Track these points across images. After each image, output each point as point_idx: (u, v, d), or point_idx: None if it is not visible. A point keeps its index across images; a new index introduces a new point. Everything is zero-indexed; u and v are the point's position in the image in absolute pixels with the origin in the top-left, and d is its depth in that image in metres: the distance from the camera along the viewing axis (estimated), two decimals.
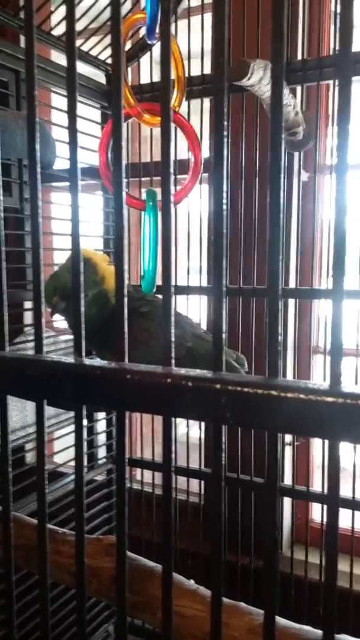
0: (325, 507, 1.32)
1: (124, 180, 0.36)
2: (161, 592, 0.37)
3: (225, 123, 0.32)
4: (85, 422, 0.36)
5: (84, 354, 0.36)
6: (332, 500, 0.31)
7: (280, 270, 0.31)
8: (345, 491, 1.26)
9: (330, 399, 0.28)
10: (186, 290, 1.38)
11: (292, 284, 1.30)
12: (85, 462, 1.48)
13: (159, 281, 1.01)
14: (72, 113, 0.37)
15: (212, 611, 0.35)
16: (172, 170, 0.35)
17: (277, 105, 0.30)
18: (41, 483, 0.38)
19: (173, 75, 1.02)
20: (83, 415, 0.35)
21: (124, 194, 0.36)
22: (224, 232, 0.33)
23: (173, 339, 0.34)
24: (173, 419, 0.34)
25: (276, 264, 0.30)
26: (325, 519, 1.33)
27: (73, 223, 0.37)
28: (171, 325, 0.35)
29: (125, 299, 0.35)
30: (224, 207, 0.32)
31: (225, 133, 0.32)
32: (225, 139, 0.33)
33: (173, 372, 0.32)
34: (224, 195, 0.32)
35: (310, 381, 0.30)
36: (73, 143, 0.37)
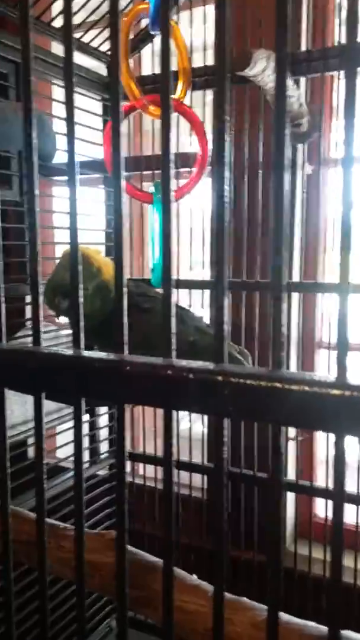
0: (329, 502, 1.32)
1: (124, 173, 0.35)
2: (162, 587, 0.36)
3: (228, 108, 0.31)
4: (87, 416, 0.36)
5: (82, 345, 0.35)
6: (338, 495, 0.30)
7: (284, 258, 0.30)
8: (350, 486, 1.25)
9: (336, 392, 0.27)
10: (189, 284, 1.37)
11: (296, 278, 1.29)
12: (87, 457, 1.47)
13: None
14: (69, 103, 0.36)
15: (214, 606, 0.35)
16: (172, 164, 0.34)
17: (281, 92, 0.29)
18: (40, 476, 0.37)
19: (177, 66, 1.01)
20: (82, 409, 0.35)
21: (123, 183, 0.35)
22: (225, 221, 0.32)
23: (174, 330, 0.33)
24: (174, 412, 0.33)
25: (280, 250, 0.29)
26: (330, 514, 1.32)
27: (71, 216, 0.36)
28: (172, 316, 0.34)
29: (125, 289, 0.35)
30: (226, 192, 0.31)
31: (227, 117, 0.31)
32: (228, 130, 0.32)
33: (174, 364, 0.31)
34: (226, 180, 0.31)
35: (315, 373, 0.29)
36: (71, 133, 0.36)
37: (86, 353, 0.34)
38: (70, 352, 0.34)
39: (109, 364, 0.32)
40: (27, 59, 0.35)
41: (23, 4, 0.34)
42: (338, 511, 0.30)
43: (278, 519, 0.32)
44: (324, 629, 0.62)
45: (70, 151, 0.36)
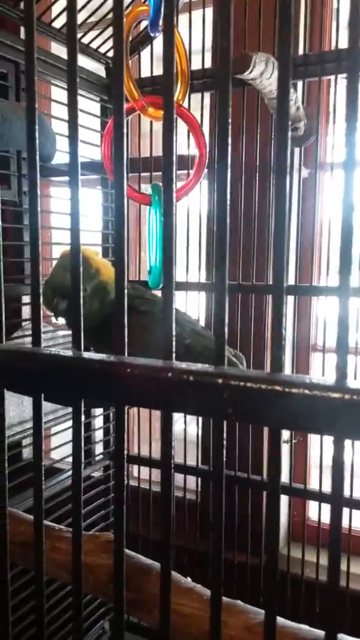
0: (321, 505, 1.32)
1: (125, 175, 0.35)
2: (159, 590, 0.36)
3: (230, 110, 0.31)
4: (82, 418, 0.35)
5: (82, 347, 0.35)
6: (336, 498, 0.30)
7: (285, 259, 0.30)
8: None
9: (335, 395, 0.27)
10: (185, 286, 1.37)
11: (291, 281, 1.30)
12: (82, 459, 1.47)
13: None
14: (72, 106, 0.36)
15: (211, 610, 0.35)
16: (174, 165, 0.34)
17: (284, 90, 0.29)
18: (38, 477, 0.37)
19: (176, 69, 1.01)
20: (82, 410, 0.35)
21: (125, 185, 0.35)
22: (227, 220, 0.32)
23: (174, 333, 0.33)
24: (173, 414, 0.33)
25: (281, 250, 0.29)
26: (324, 517, 1.32)
27: (72, 217, 0.36)
28: (172, 319, 0.34)
29: (126, 291, 0.35)
30: (227, 192, 0.31)
31: (229, 120, 0.31)
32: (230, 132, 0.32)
33: (174, 366, 0.31)
34: (228, 180, 0.32)
35: (314, 376, 0.29)
36: (73, 135, 0.36)
37: (86, 354, 0.34)
38: (70, 353, 0.34)
39: (109, 365, 0.32)
40: (31, 61, 0.35)
41: (28, 10, 0.34)
42: (336, 514, 0.30)
43: (276, 521, 0.32)
44: (317, 632, 0.62)
45: (73, 153, 0.36)
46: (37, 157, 0.37)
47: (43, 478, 0.39)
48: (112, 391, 0.33)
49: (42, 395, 0.36)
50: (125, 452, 0.34)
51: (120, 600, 0.37)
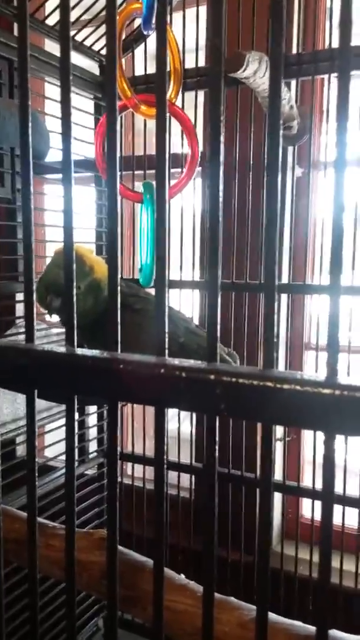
0: (315, 502, 1.33)
1: (118, 173, 0.35)
2: (153, 587, 0.36)
3: (223, 107, 0.32)
4: (76, 415, 0.36)
5: (75, 343, 0.35)
6: (327, 495, 0.30)
7: (277, 255, 0.30)
8: (335, 487, 1.26)
9: (326, 391, 0.28)
10: (179, 284, 1.37)
11: (284, 280, 1.30)
12: (75, 456, 1.47)
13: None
14: (65, 103, 0.36)
15: (204, 607, 0.35)
16: (167, 163, 0.34)
17: (276, 89, 0.30)
18: (31, 474, 0.37)
19: (169, 67, 1.01)
20: (75, 406, 0.35)
21: (117, 183, 0.35)
22: (220, 218, 0.32)
23: (167, 329, 0.34)
24: (166, 410, 0.33)
25: (273, 246, 0.30)
26: (316, 515, 1.33)
27: (66, 215, 0.36)
28: (165, 316, 0.34)
29: (119, 288, 0.35)
30: (220, 190, 0.32)
31: (222, 117, 0.31)
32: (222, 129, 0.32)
33: (167, 362, 0.31)
34: (220, 178, 0.32)
35: (306, 373, 0.29)
36: (67, 134, 0.36)
37: (79, 351, 0.34)
38: (63, 349, 0.34)
39: (102, 361, 0.33)
40: (24, 59, 0.35)
41: (21, 7, 0.34)
42: (327, 511, 0.30)
43: (268, 518, 0.33)
44: (310, 628, 0.63)
45: (66, 150, 0.36)
46: (30, 155, 0.37)
47: (37, 475, 0.39)
48: (105, 387, 0.33)
49: (35, 391, 0.36)
50: (119, 449, 0.34)
51: (114, 597, 0.37)
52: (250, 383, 0.29)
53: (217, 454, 0.32)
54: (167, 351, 0.33)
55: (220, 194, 0.31)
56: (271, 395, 0.29)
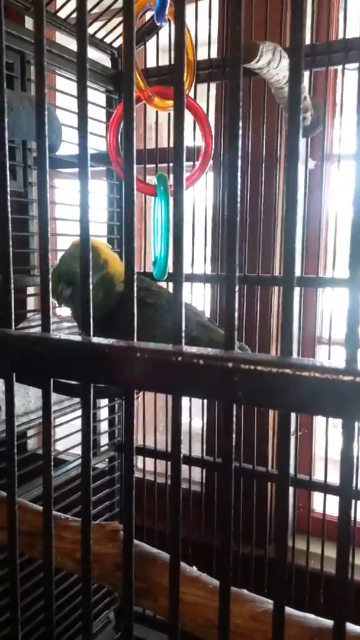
0: (327, 496, 1.32)
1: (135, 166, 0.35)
2: (168, 579, 0.36)
3: (240, 94, 0.31)
4: (92, 403, 0.36)
5: (92, 332, 0.35)
6: (346, 484, 0.30)
7: (295, 245, 0.30)
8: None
9: (347, 378, 0.27)
10: (191, 278, 1.37)
11: (297, 272, 1.29)
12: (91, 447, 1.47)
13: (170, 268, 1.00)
14: (82, 99, 0.36)
15: (220, 599, 0.35)
16: (184, 154, 0.34)
17: (297, 73, 0.29)
18: (47, 462, 0.37)
19: None
20: (91, 395, 0.35)
21: (134, 174, 0.35)
22: (237, 209, 0.32)
23: (184, 317, 0.33)
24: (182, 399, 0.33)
25: (292, 235, 0.29)
26: (328, 509, 1.32)
27: (82, 209, 0.36)
28: (182, 305, 0.34)
29: (135, 278, 0.35)
30: (238, 181, 0.31)
31: (240, 105, 0.31)
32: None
33: (184, 351, 0.31)
34: (238, 169, 0.31)
35: (325, 360, 0.29)
36: (83, 130, 0.36)
37: (96, 339, 0.34)
38: (79, 338, 0.34)
39: (119, 350, 0.32)
40: (41, 53, 0.35)
41: (38, 4, 0.34)
42: (346, 501, 0.30)
43: (285, 511, 0.32)
44: (322, 620, 0.63)
45: (82, 145, 0.36)
46: (47, 150, 0.37)
47: (52, 465, 0.39)
48: (121, 376, 0.33)
49: (52, 380, 0.36)
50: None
51: (130, 586, 0.37)
52: (269, 370, 0.29)
53: (234, 442, 0.32)
54: (184, 339, 0.33)
55: (239, 179, 0.31)
56: (290, 382, 0.29)
